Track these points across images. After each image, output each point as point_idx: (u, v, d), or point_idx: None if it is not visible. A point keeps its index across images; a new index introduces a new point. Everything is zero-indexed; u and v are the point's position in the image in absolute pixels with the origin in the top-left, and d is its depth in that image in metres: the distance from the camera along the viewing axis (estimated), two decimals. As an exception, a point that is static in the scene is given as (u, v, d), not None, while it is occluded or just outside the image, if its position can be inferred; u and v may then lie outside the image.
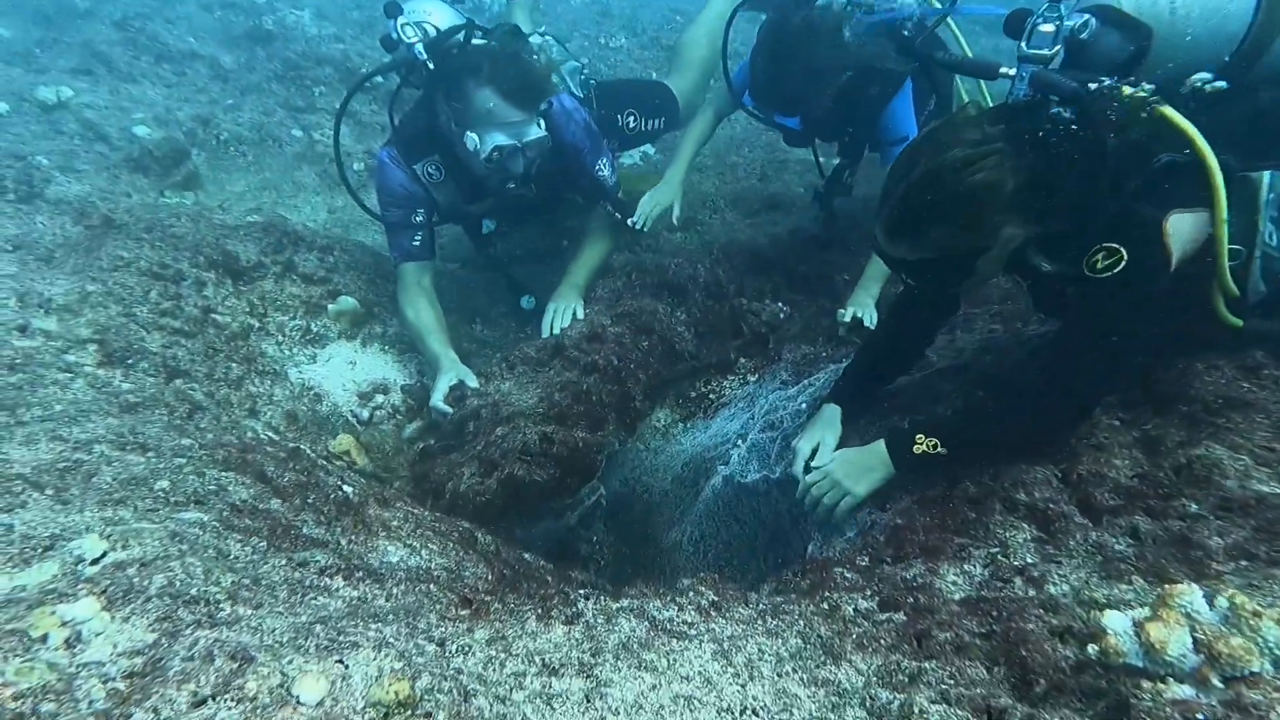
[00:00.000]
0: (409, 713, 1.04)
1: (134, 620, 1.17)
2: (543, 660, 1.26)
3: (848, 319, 2.80)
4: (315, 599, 1.36)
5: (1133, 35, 1.86)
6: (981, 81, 2.88)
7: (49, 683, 0.99)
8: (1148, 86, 1.70)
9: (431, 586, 1.49)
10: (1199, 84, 1.79)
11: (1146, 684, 1.05)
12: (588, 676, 1.22)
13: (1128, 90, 1.72)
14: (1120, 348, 1.75)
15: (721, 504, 2.35)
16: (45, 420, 1.90)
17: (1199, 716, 1.00)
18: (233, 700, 1.01)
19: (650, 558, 2.49)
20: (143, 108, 4.62)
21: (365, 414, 2.70)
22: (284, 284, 3.07)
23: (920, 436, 1.90)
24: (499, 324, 3.41)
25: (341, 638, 1.20)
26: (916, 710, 1.15)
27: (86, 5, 5.54)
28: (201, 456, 1.89)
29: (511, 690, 1.16)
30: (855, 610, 1.52)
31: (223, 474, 1.82)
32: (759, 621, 1.45)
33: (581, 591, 1.47)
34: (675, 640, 1.34)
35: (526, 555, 2.06)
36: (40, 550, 1.34)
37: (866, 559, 1.79)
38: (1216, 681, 1.03)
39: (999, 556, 1.67)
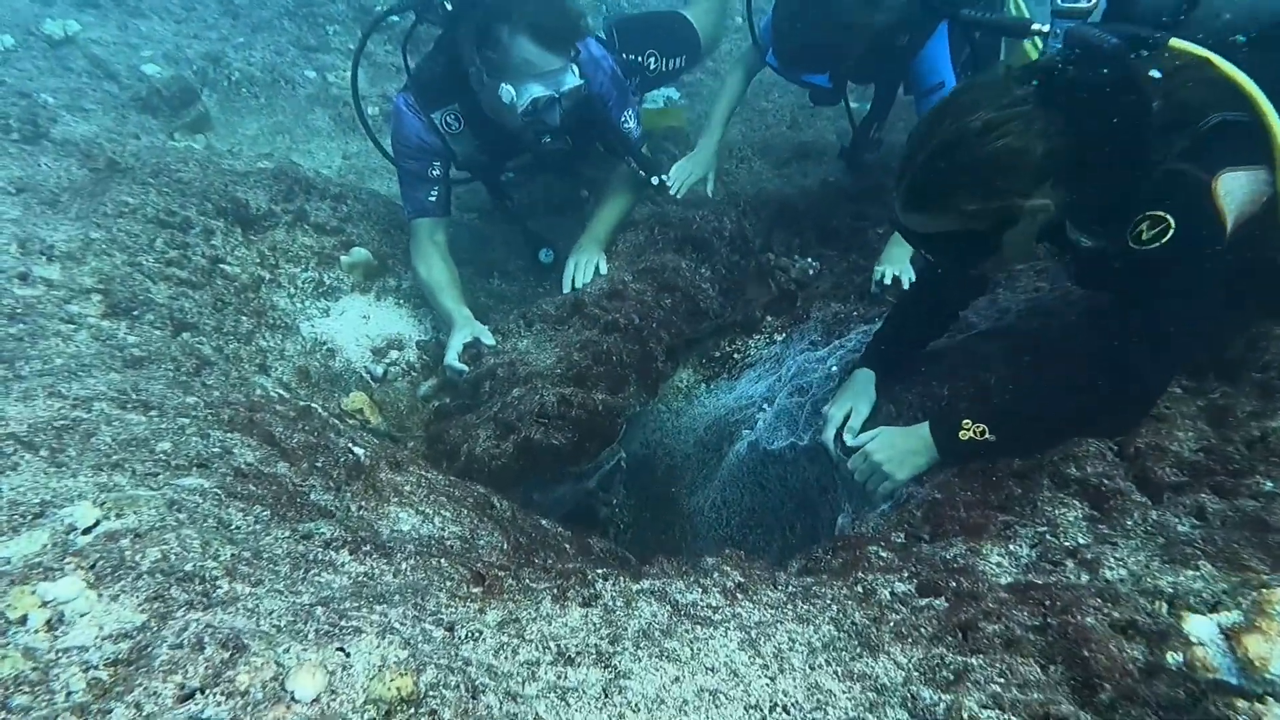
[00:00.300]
0: (411, 711, 0.94)
1: (123, 599, 1.08)
2: (558, 647, 1.16)
3: (887, 280, 2.61)
4: (319, 575, 1.27)
5: None
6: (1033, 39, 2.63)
7: (22, 672, 0.90)
8: (1196, 41, 1.49)
9: (443, 561, 1.39)
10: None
11: (1242, 704, 0.93)
12: (606, 666, 1.12)
13: (1176, 44, 1.52)
14: (1184, 324, 1.56)
15: (746, 470, 2.24)
16: (44, 375, 1.81)
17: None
18: (222, 694, 0.92)
19: (671, 522, 2.40)
20: (151, 44, 4.44)
21: (379, 370, 2.60)
22: (295, 234, 2.93)
23: (967, 422, 1.73)
24: (516, 278, 3.26)
25: (344, 622, 1.10)
26: (965, 716, 1.04)
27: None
28: (206, 416, 1.80)
29: (524, 684, 1.06)
30: (892, 594, 1.40)
31: (228, 435, 1.73)
32: (788, 606, 1.34)
33: (600, 571, 1.36)
34: (699, 627, 1.23)
35: (544, 522, 1.97)
36: (30, 518, 1.25)
37: (902, 536, 1.67)
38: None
39: (1048, 536, 1.54)
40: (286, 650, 1.01)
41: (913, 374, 2.16)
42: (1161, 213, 1.48)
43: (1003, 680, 1.13)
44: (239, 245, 2.73)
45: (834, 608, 1.34)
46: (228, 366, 2.24)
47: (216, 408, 1.87)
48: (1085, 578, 1.41)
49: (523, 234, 3.07)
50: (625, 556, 2.01)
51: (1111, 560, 1.43)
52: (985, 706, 1.07)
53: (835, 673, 1.17)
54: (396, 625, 1.13)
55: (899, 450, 1.85)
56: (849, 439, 1.97)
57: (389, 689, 0.95)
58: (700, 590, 1.34)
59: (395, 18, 3.41)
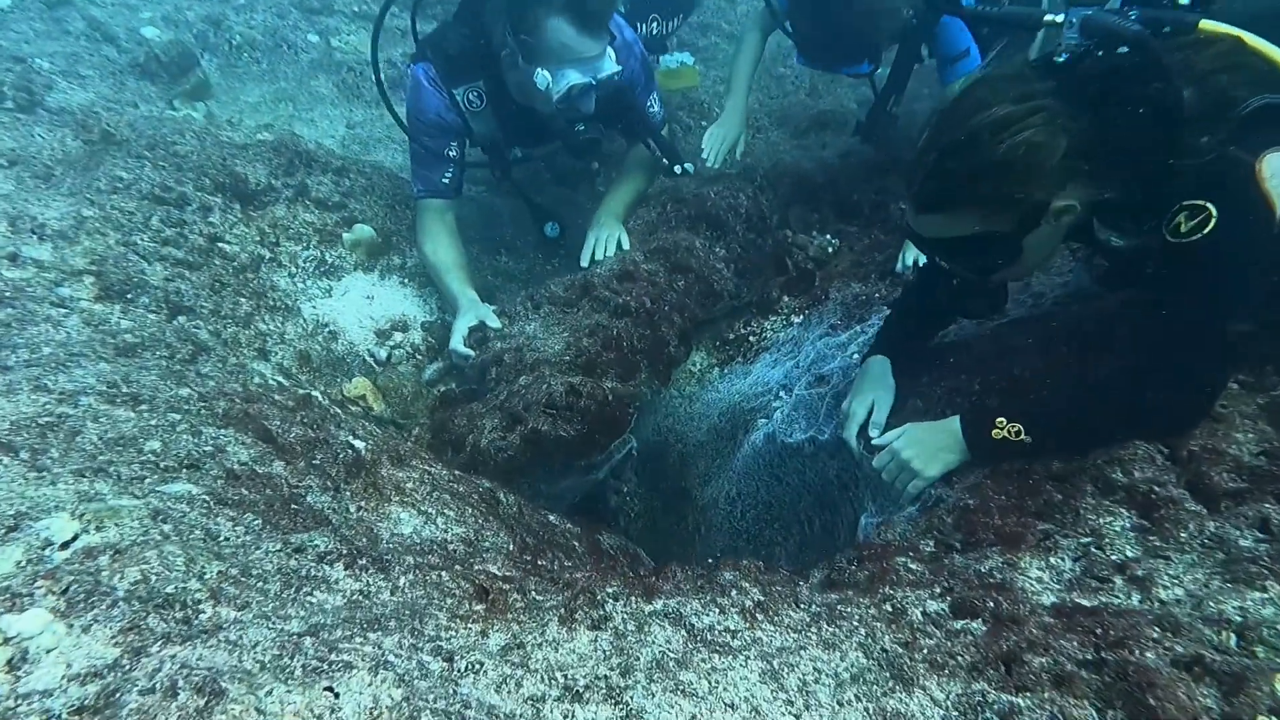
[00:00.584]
0: (404, 767, 0.84)
1: (95, 630, 0.98)
2: (565, 679, 1.06)
3: (909, 263, 2.44)
4: (311, 594, 1.17)
5: None
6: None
7: (-25, 728, 0.81)
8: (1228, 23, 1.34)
9: (443, 575, 1.29)
10: None
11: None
12: (617, 703, 1.02)
13: (1207, 26, 1.38)
14: (1235, 317, 1.43)
15: (762, 462, 2.12)
16: (31, 365, 1.70)
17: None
18: (196, 750, 0.83)
19: (683, 512, 2.29)
20: (151, 4, 4.23)
21: (383, 354, 2.48)
22: (296, 210, 2.79)
23: (1001, 420, 1.59)
24: (525, 255, 3.11)
25: (333, 655, 1.00)
26: (1013, 769, 0.93)
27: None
28: (200, 410, 1.69)
29: (528, 727, 0.96)
30: (924, 614, 1.29)
31: (222, 431, 1.63)
32: (812, 628, 1.23)
33: (609, 590, 1.25)
34: (717, 655, 1.12)
35: (551, 517, 1.87)
36: (3, 532, 1.15)
37: (932, 544, 1.55)
38: None
39: (1092, 549, 1.41)
40: (269, 694, 0.91)
41: (935, 362, 2.01)
42: (1201, 201, 1.34)
43: (1053, 725, 1.02)
44: (238, 222, 2.60)
45: (862, 631, 1.23)
46: (225, 352, 2.13)
47: (211, 399, 1.77)
48: (1137, 598, 1.29)
49: (528, 207, 2.92)
50: (636, 553, 1.91)
51: (1165, 578, 1.31)
52: (1034, 758, 0.96)
53: (865, 710, 1.07)
54: (391, 658, 1.03)
55: (928, 447, 1.72)
56: (874, 434, 1.84)
57: (379, 742, 0.85)
58: (717, 610, 1.23)
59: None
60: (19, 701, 0.86)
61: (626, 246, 2.59)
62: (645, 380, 2.16)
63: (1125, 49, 1.38)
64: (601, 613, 1.19)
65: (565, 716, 0.99)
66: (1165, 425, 1.53)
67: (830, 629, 1.23)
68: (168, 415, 1.61)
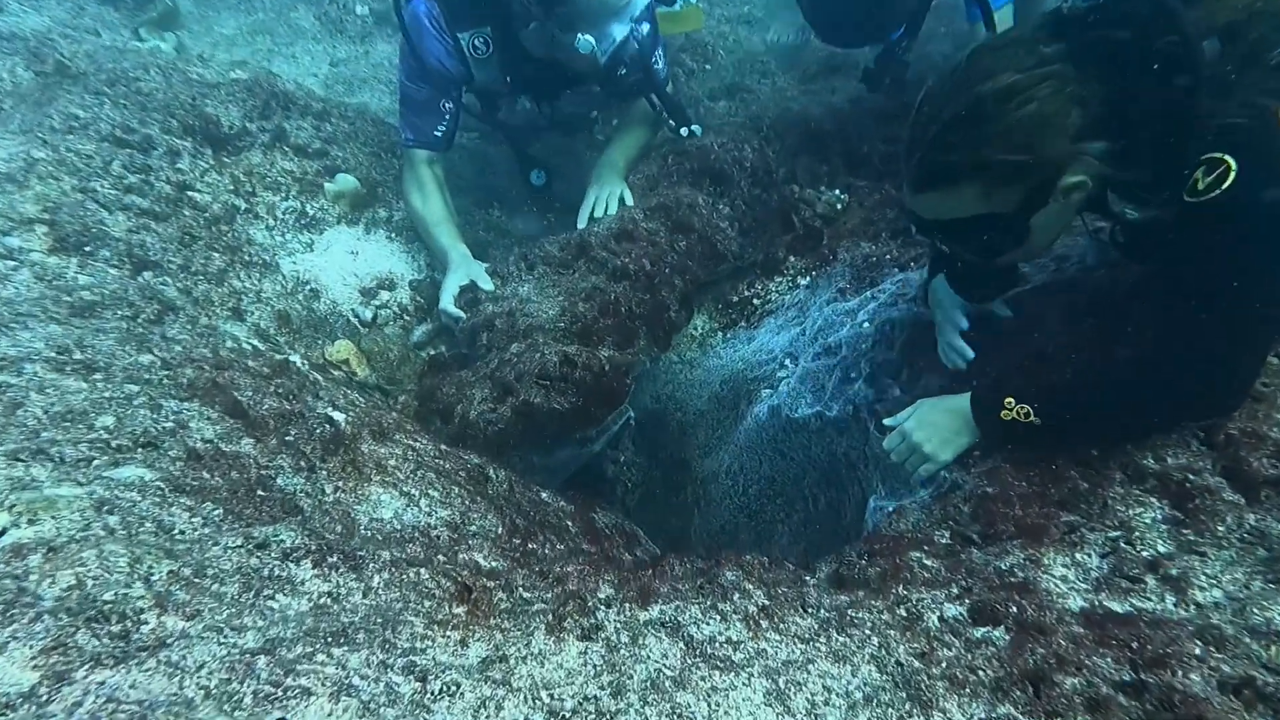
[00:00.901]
0: (363, 824, 0.72)
1: (13, 650, 0.85)
2: (551, 700, 0.94)
3: None
4: (273, 599, 1.04)
5: None
6: None
7: None
8: None
9: (423, 572, 1.15)
10: None
11: None
12: (609, 730, 0.90)
13: None
14: (1266, 284, 1.26)
15: (766, 436, 1.98)
16: (-26, 329, 1.53)
17: None
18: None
19: (682, 484, 2.17)
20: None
21: (368, 314, 2.31)
22: (274, 157, 2.55)
23: (1009, 401, 1.45)
24: (519, 209, 2.89)
25: (290, 679, 0.87)
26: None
27: None
28: (162, 380, 1.53)
29: (508, 765, 0.84)
30: (941, 620, 1.17)
31: (185, 404, 1.47)
32: (821, 638, 1.10)
33: (601, 596, 1.12)
34: (718, 672, 1.00)
35: (544, 494, 1.73)
36: (-77, 528, 1.01)
37: (947, 535, 1.42)
38: None
39: (1121, 543, 1.29)
40: (210, 732, 0.78)
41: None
42: (1219, 154, 1.21)
43: (1088, 759, 0.90)
44: (209, 169, 2.37)
45: (874, 640, 1.11)
46: (196, 312, 1.95)
47: (176, 367, 1.60)
48: (1171, 601, 1.17)
49: (515, 154, 2.69)
50: (633, 532, 1.79)
51: (1202, 578, 1.19)
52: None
53: (881, 735, 0.95)
54: (356, 680, 0.90)
55: (940, 429, 1.58)
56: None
57: (334, 796, 0.72)
58: (719, 618, 1.11)
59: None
60: (-85, 745, 0.74)
61: (630, 203, 2.38)
62: (644, 348, 2.00)
63: (1137, 4, 1.22)
64: (592, 621, 1.06)
65: (550, 747, 0.87)
66: (1197, 410, 1.38)
67: (840, 638, 1.11)
68: (124, 386, 1.45)
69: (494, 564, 1.32)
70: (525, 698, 0.94)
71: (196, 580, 1.03)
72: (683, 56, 3.64)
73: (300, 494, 1.35)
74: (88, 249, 1.92)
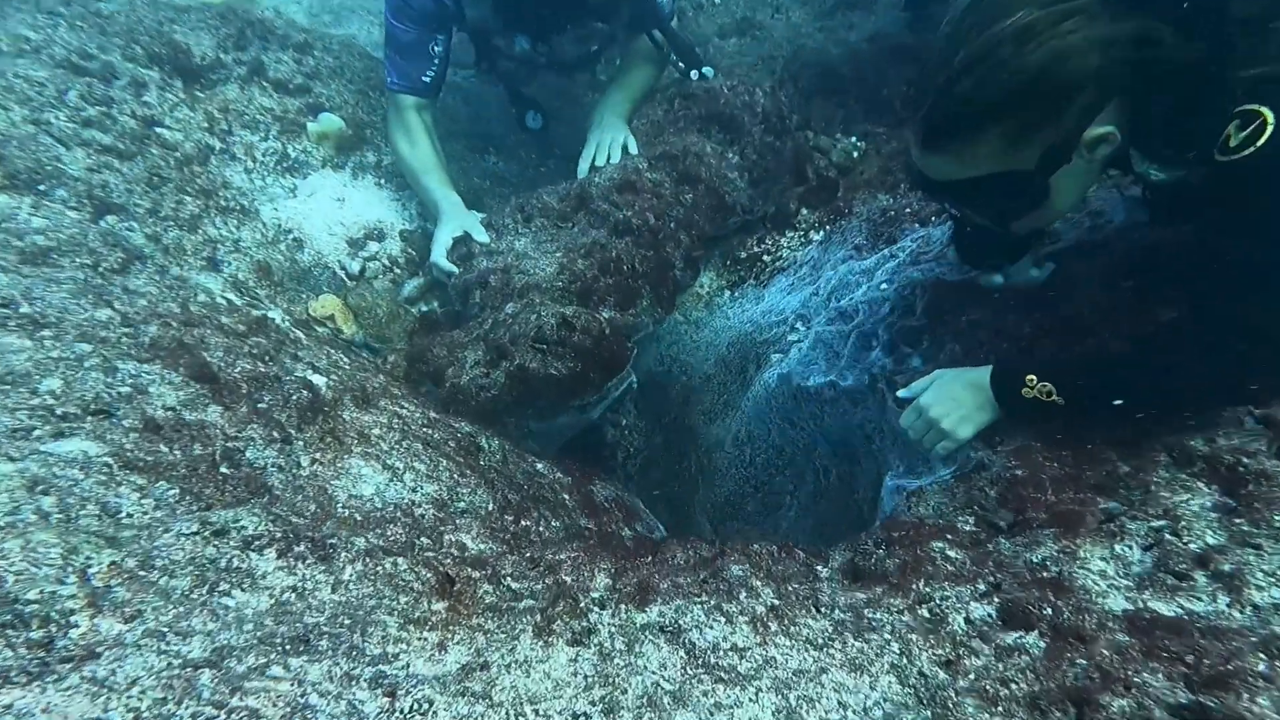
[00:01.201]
0: None
1: (-84, 667, 0.72)
2: (535, 717, 0.81)
3: None
4: (229, 595, 0.91)
5: None
6: None
7: None
8: None
9: (400, 562, 1.02)
10: None
11: None
12: (601, 754, 0.78)
13: None
14: None
15: (775, 404, 1.83)
16: (-90, 279, 1.36)
17: None
18: None
19: (685, 450, 2.03)
20: None
21: (356, 266, 2.13)
22: (251, 92, 2.32)
23: (1031, 378, 1.30)
24: (515, 155, 2.67)
25: (237, 698, 0.75)
26: None
27: None
28: (120, 339, 1.37)
29: (485, 802, 0.72)
30: (967, 622, 1.04)
31: (145, 367, 1.32)
32: (836, 643, 0.98)
33: (594, 596, 0.99)
34: (722, 685, 0.88)
35: (539, 465, 1.60)
36: None
37: (972, 521, 1.29)
38: None
39: (1167, 534, 1.15)
40: (136, 770, 0.66)
41: (979, 298, 1.67)
42: (1254, 106, 1.06)
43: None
44: (179, 104, 2.15)
45: (894, 646, 0.99)
46: (165, 261, 1.78)
47: (138, 324, 1.44)
48: (1224, 601, 1.04)
49: (510, 95, 2.46)
50: (634, 505, 1.66)
51: (1259, 575, 1.05)
52: None
53: (905, 761, 0.83)
54: (315, 698, 0.77)
55: (959, 404, 1.42)
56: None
57: None
58: (723, 620, 0.98)
59: None
60: None
61: (635, 151, 2.16)
62: (647, 309, 1.83)
63: None
64: (585, 624, 0.94)
65: (534, 777, 0.75)
66: (1242, 388, 1.23)
67: (857, 644, 0.98)
68: (75, 345, 1.30)
69: (482, 546, 1.19)
70: (507, 713, 0.82)
71: (142, 573, 0.90)
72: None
73: (271, 469, 1.22)
74: (41, 188, 1.73)
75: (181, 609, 0.87)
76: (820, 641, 0.98)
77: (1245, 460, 1.19)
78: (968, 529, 1.27)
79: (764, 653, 0.94)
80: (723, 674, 0.90)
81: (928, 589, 1.10)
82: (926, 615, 1.05)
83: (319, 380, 1.52)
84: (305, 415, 1.39)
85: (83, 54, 2.01)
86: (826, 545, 1.47)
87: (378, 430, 1.43)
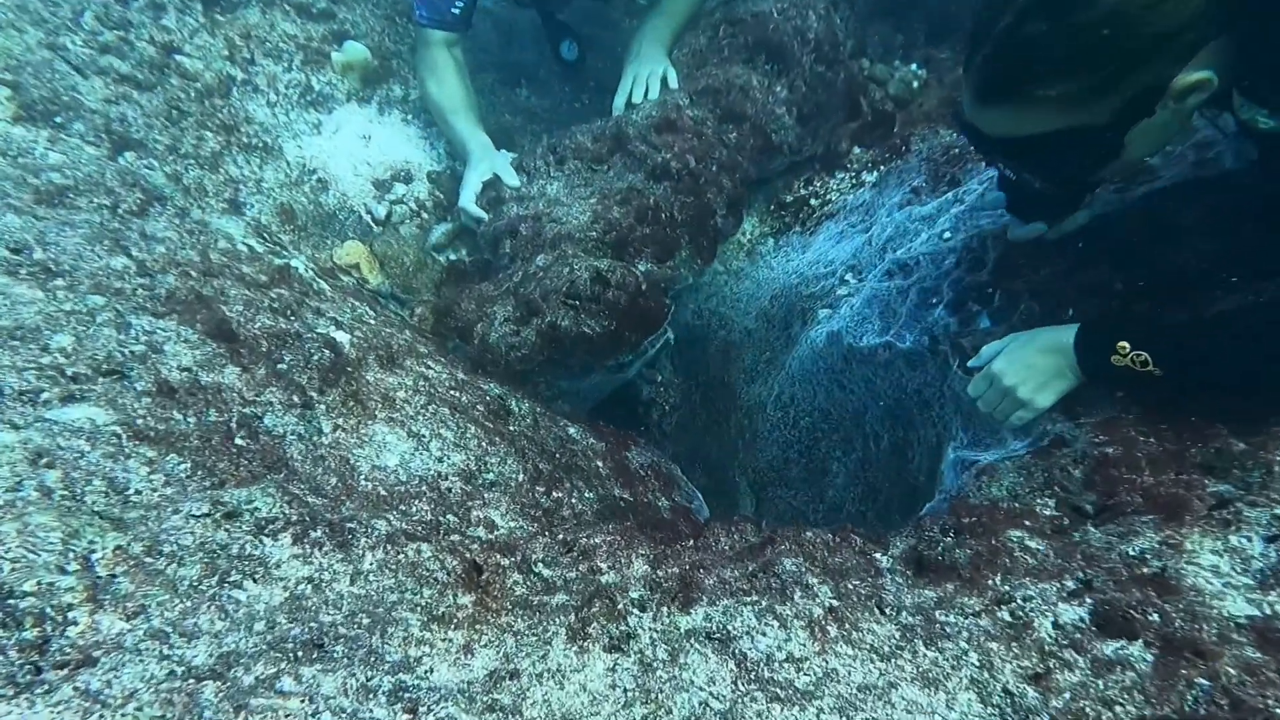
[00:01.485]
0: None
1: (-107, 677, 0.63)
2: (575, 738, 0.70)
3: None
4: (239, 587, 0.80)
5: None
6: None
7: None
8: None
9: (424, 549, 0.91)
10: None
11: None
12: (645, 785, 0.67)
13: None
14: None
15: (823, 366, 1.65)
16: (-85, 224, 1.25)
17: None
18: None
19: (725, 411, 1.88)
20: None
21: (382, 210, 1.96)
22: (274, 16, 2.10)
23: (1123, 346, 1.09)
24: (549, 89, 2.42)
25: (243, 716, 0.64)
26: None
27: None
28: (136, 290, 1.25)
29: None
30: (1056, 627, 0.89)
31: (161, 323, 1.20)
32: (905, 651, 0.84)
33: (634, 596, 0.87)
34: (779, 705, 0.75)
35: (571, 429, 1.47)
36: None
37: (1053, 504, 1.12)
38: None
39: (1293, 523, 0.97)
40: (124, 810, 0.56)
41: (1063, 247, 1.44)
42: None
43: None
44: (200, 29, 1.95)
45: (973, 656, 0.85)
46: (186, 203, 1.64)
47: (155, 274, 1.32)
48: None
49: (543, 22, 2.20)
50: (671, 473, 1.53)
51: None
52: None
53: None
54: (327, 716, 0.67)
55: (1036, 370, 1.23)
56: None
57: None
58: (777, 625, 0.84)
59: None
60: None
61: (675, 84, 1.91)
62: (685, 260, 1.64)
63: None
64: (623, 628, 0.81)
65: (571, 811, 0.65)
66: None
67: (929, 653, 0.84)
68: (89, 298, 1.18)
69: (511, 524, 1.07)
70: (541, 733, 0.71)
71: (148, 560, 0.80)
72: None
73: (290, 438, 1.10)
74: (58, 120, 1.58)
75: (188, 604, 0.77)
76: (887, 650, 0.84)
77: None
78: (1048, 514, 1.10)
79: (824, 664, 0.81)
80: (779, 690, 0.77)
81: (1006, 586, 0.95)
82: (1007, 618, 0.90)
83: (342, 337, 1.38)
84: (327, 377, 1.27)
85: (92, -29, 1.81)
86: (878, 517, 1.32)
87: (403, 393, 1.30)
